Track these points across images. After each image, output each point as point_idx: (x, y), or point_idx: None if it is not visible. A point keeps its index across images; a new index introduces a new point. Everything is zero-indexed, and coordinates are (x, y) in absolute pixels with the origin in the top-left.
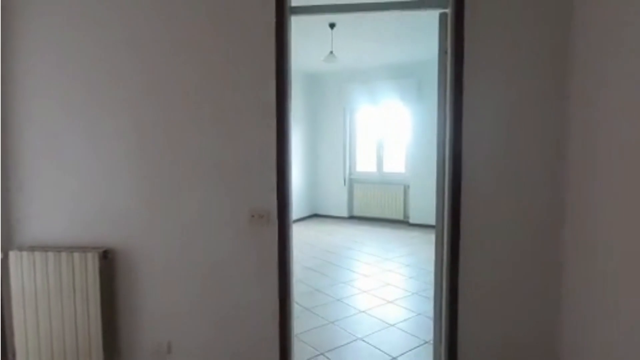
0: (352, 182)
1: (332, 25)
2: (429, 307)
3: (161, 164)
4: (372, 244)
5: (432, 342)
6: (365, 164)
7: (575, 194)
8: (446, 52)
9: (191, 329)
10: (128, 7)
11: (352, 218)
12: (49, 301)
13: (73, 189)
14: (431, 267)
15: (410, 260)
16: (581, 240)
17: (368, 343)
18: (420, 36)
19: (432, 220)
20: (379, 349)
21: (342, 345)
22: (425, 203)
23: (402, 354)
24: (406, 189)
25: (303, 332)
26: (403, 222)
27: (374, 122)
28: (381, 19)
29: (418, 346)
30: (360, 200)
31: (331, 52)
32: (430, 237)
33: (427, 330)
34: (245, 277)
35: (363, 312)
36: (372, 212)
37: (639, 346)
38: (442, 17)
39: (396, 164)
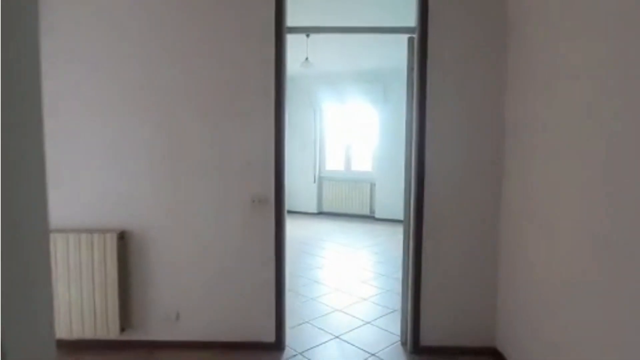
0: (321, 180)
1: (307, 34)
2: (395, 285)
3: (174, 157)
4: (342, 236)
5: (399, 310)
6: (334, 163)
7: (508, 195)
8: (413, 69)
9: (196, 299)
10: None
11: (321, 214)
12: (68, 276)
13: (93, 180)
14: (396, 254)
15: (378, 249)
16: (512, 233)
17: (346, 313)
18: (386, 46)
19: (396, 215)
20: (356, 317)
21: (323, 315)
22: (389, 199)
23: (375, 319)
24: (372, 186)
25: (291, 305)
26: (369, 217)
27: (342, 123)
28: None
29: (387, 314)
30: (329, 197)
31: (307, 59)
32: (394, 230)
33: (394, 302)
34: (247, 252)
35: (339, 290)
36: (340, 208)
37: (552, 319)
38: (410, 41)
39: (363, 162)
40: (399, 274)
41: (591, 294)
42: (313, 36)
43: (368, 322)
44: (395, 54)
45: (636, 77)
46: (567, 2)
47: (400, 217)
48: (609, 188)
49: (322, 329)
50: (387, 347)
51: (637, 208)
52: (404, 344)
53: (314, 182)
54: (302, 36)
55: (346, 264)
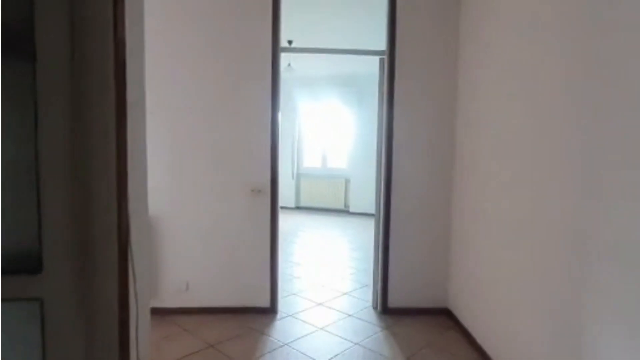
0: (299, 176)
1: (290, 42)
2: (367, 267)
3: (185, 153)
4: (320, 227)
5: (371, 285)
6: (311, 160)
7: (458, 190)
8: (383, 84)
9: (204, 272)
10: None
11: (299, 208)
12: None
13: None
14: (367, 242)
15: (352, 238)
16: (460, 220)
17: (327, 287)
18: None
19: (368, 209)
20: (335, 290)
21: (307, 289)
22: (363, 194)
23: (352, 291)
24: (347, 182)
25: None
26: (344, 211)
27: (320, 123)
28: (329, 40)
29: (361, 287)
30: (306, 192)
31: (289, 64)
32: (367, 223)
33: (367, 279)
34: (246, 233)
35: (319, 270)
36: (316, 202)
37: (487, 285)
38: (381, 61)
39: (338, 160)
40: (370, 258)
41: (513, 266)
42: (294, 44)
43: (346, 293)
44: (369, 60)
45: (552, 80)
46: (494, 35)
47: (372, 211)
48: (527, 186)
49: (307, 299)
50: (362, 310)
51: (551, 198)
52: (374, 307)
53: (292, 178)
54: (285, 44)
55: (324, 250)
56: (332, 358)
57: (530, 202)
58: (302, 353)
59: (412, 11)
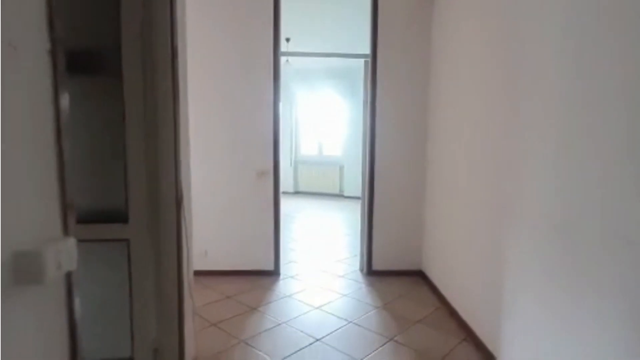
0: (297, 163)
1: (287, 40)
2: (357, 241)
3: (199, 140)
4: (317, 209)
5: (359, 255)
6: (308, 148)
7: (430, 173)
8: (367, 82)
9: (219, 241)
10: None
11: (297, 193)
12: None
13: None
14: (358, 220)
15: (345, 218)
16: (431, 198)
17: (323, 256)
18: (353, 47)
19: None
20: (329, 258)
21: (306, 257)
22: (356, 179)
23: (343, 259)
24: (341, 169)
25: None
26: (339, 195)
27: (315, 113)
28: (323, 37)
29: (351, 257)
30: (304, 178)
31: (287, 60)
32: (359, 205)
33: (355, 250)
34: (254, 208)
35: (316, 244)
36: (313, 187)
37: (450, 250)
38: (366, 63)
39: (333, 148)
40: (359, 233)
41: (463, 234)
42: (292, 41)
43: (338, 261)
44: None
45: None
46: (456, 41)
47: None
48: (466, 170)
49: (304, 265)
50: (351, 272)
51: (481, 180)
52: (361, 270)
53: (290, 165)
54: (283, 41)
55: (320, 228)
56: (324, 304)
57: (469, 183)
58: (301, 301)
59: (391, 20)
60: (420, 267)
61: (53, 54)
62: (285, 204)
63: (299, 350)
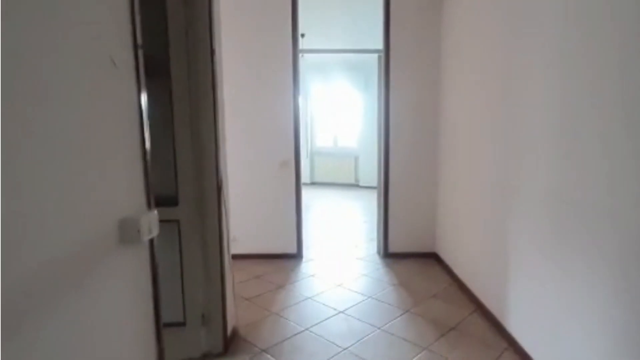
0: (313, 155)
1: (302, 35)
2: (373, 227)
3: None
4: (334, 198)
5: (375, 239)
6: (323, 140)
7: (442, 162)
8: (381, 75)
9: (246, 228)
10: None
11: (314, 183)
12: None
13: None
14: (375, 210)
15: (361, 206)
16: (444, 186)
17: (342, 240)
18: (369, 38)
19: (376, 183)
20: (348, 243)
21: (326, 241)
22: (371, 170)
23: (362, 243)
24: (356, 159)
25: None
26: (354, 185)
27: (330, 105)
28: (335, 32)
29: (368, 241)
30: (320, 169)
31: (302, 55)
32: (375, 195)
33: (372, 234)
34: (278, 196)
35: (335, 229)
36: (329, 178)
37: (462, 233)
38: (380, 57)
39: (348, 139)
40: (376, 220)
41: (472, 214)
42: (307, 37)
43: (356, 245)
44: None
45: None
46: (463, 36)
47: None
48: (490, 157)
49: (325, 249)
50: (369, 255)
51: (485, 162)
52: (378, 253)
53: (307, 156)
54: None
55: (338, 215)
56: (345, 282)
57: (476, 169)
58: (323, 280)
59: (404, 16)
60: (434, 249)
61: (137, 62)
62: (303, 194)
63: (324, 320)
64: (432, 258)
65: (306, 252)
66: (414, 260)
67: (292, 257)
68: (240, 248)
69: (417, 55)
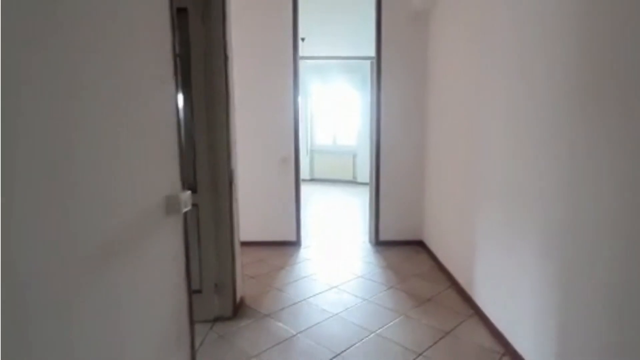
0: (312, 152)
1: (302, 39)
2: (367, 218)
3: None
4: (332, 193)
5: (367, 229)
6: (322, 138)
7: (427, 158)
8: (373, 79)
9: (250, 217)
10: None
11: (313, 180)
12: None
13: None
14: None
15: (358, 201)
16: (429, 179)
17: (337, 230)
18: (363, 45)
19: None
20: (342, 232)
21: (322, 231)
22: (368, 167)
23: (355, 233)
24: (354, 157)
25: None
26: (352, 182)
27: (330, 105)
28: (333, 37)
29: (361, 232)
30: (319, 166)
31: (302, 57)
32: None
33: (366, 227)
34: (279, 188)
35: (331, 220)
36: (328, 174)
37: (444, 221)
38: (372, 63)
39: (347, 137)
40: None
41: (454, 207)
42: (307, 40)
43: (351, 234)
44: (370, 49)
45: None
46: (446, 42)
47: None
48: (462, 156)
49: (321, 237)
50: (361, 243)
51: (457, 159)
52: (370, 241)
53: (307, 154)
54: (299, 41)
55: (335, 208)
56: (339, 265)
57: (453, 166)
58: (319, 263)
59: (393, 27)
60: (421, 237)
61: (175, 69)
62: (302, 190)
63: (319, 294)
64: (419, 245)
65: (305, 240)
66: (402, 247)
67: (291, 244)
68: (244, 235)
69: (405, 62)
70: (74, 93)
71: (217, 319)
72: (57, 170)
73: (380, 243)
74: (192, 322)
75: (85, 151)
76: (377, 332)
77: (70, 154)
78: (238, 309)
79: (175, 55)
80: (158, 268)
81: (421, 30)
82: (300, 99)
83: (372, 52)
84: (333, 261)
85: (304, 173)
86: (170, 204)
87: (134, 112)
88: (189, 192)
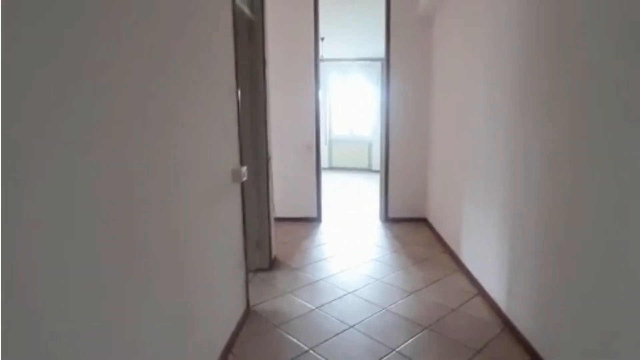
0: (331, 142)
1: (322, 39)
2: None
3: None
4: (349, 180)
5: (378, 207)
6: (340, 129)
7: (430, 145)
8: (384, 77)
9: (280, 193)
10: None
11: (332, 168)
12: None
13: None
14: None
15: (372, 186)
16: (431, 163)
17: (353, 209)
18: (378, 44)
19: None
20: (356, 210)
21: (341, 210)
22: None
23: (368, 212)
24: (370, 146)
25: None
26: (367, 170)
27: (347, 98)
28: (350, 37)
29: (373, 212)
30: (337, 155)
31: (322, 56)
32: None
33: (377, 207)
34: (301, 173)
35: (348, 201)
36: (345, 163)
37: (442, 200)
38: (382, 63)
39: (363, 128)
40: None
41: (450, 185)
42: (326, 40)
43: (364, 213)
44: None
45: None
46: (449, 45)
47: None
48: (454, 141)
49: (339, 215)
50: (372, 220)
51: (453, 146)
52: (380, 218)
53: (326, 143)
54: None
55: (351, 192)
56: (351, 236)
57: (449, 150)
58: (337, 234)
59: (401, 32)
60: (425, 215)
61: (236, 79)
62: (322, 177)
63: (336, 255)
64: (423, 222)
65: (324, 217)
66: (408, 223)
67: (313, 220)
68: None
69: (411, 63)
70: (193, 106)
71: (258, 270)
72: (192, 149)
73: (389, 220)
74: (245, 257)
75: (199, 139)
76: (381, 279)
77: (196, 140)
78: (273, 263)
79: (237, 69)
80: (231, 213)
81: (426, 33)
82: (321, 92)
83: (382, 54)
84: (348, 232)
85: (323, 162)
86: (235, 175)
87: (216, 113)
88: (245, 167)
